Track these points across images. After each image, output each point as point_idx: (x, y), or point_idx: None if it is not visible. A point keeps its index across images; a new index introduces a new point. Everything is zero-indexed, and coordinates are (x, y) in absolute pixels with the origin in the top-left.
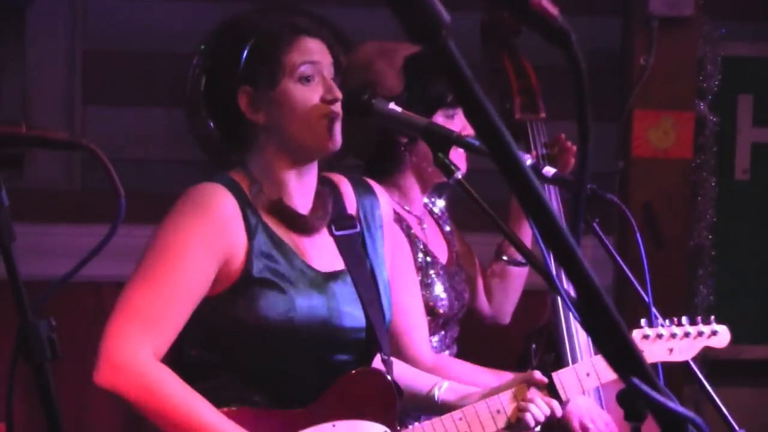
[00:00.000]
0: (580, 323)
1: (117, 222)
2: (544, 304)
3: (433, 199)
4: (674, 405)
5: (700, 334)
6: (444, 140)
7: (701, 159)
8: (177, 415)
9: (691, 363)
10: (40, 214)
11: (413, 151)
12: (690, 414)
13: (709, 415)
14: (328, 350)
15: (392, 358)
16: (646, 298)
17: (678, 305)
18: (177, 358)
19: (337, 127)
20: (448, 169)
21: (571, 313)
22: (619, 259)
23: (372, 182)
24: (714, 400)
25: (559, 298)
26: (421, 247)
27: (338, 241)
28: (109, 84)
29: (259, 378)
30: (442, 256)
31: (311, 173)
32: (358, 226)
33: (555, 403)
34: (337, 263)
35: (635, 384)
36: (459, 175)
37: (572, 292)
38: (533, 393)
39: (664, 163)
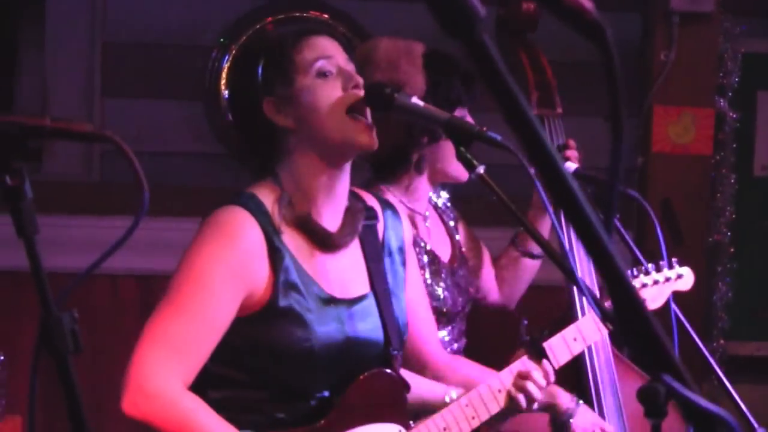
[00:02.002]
0: (601, 319)
1: (140, 215)
2: (559, 299)
3: (437, 192)
4: (707, 403)
5: (668, 279)
6: (466, 135)
7: (721, 155)
8: None
9: (710, 359)
10: (58, 206)
11: (427, 155)
12: (722, 412)
13: (728, 412)
14: (347, 369)
15: (405, 372)
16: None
17: (696, 301)
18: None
19: (368, 119)
20: (470, 163)
21: (589, 307)
22: (639, 254)
23: (394, 202)
24: (733, 397)
25: (576, 294)
26: (424, 246)
27: (366, 258)
28: (128, 76)
29: (281, 395)
30: (445, 253)
31: (342, 182)
32: (384, 247)
33: (549, 367)
34: (360, 284)
35: (668, 382)
36: (481, 169)
37: (594, 288)
38: (529, 365)
39: (683, 159)
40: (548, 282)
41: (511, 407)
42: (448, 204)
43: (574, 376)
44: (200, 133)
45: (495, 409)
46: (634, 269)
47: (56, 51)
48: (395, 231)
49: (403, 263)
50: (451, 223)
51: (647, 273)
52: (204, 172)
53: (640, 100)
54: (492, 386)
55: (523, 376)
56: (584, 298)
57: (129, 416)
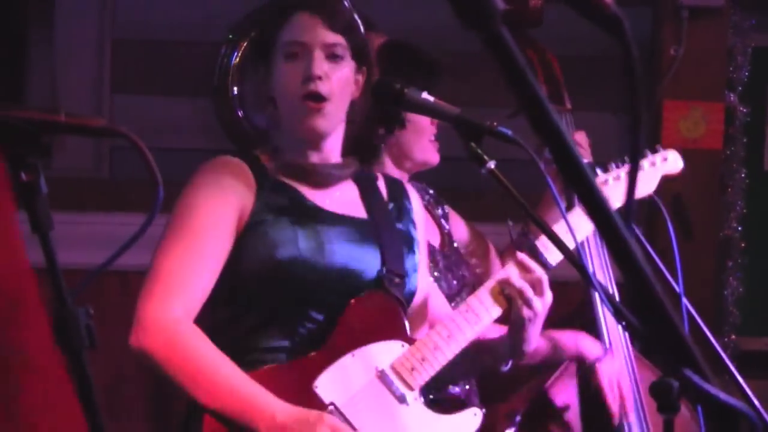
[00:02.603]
0: (613, 314)
1: (154, 211)
2: (570, 295)
3: (424, 185)
4: (728, 398)
5: (653, 164)
6: (476, 130)
7: (731, 150)
8: (201, 371)
9: (723, 354)
10: (68, 202)
11: (388, 143)
12: (744, 407)
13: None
14: (336, 289)
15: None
16: (677, 288)
17: (707, 297)
18: (210, 322)
19: (319, 108)
20: (480, 159)
21: (602, 304)
22: (650, 249)
23: (405, 184)
24: (745, 393)
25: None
26: None
27: (363, 196)
28: (137, 73)
29: (275, 319)
30: (434, 240)
31: (325, 151)
32: (386, 198)
33: (532, 276)
34: (356, 211)
35: (688, 376)
36: (491, 165)
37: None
38: (503, 273)
39: (693, 153)
40: (560, 278)
41: (515, 311)
42: (435, 195)
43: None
44: (209, 129)
45: (496, 311)
46: (615, 163)
47: (65, 47)
48: (399, 195)
49: (413, 224)
50: (439, 212)
51: (607, 171)
52: None
53: (649, 94)
54: (489, 287)
55: (502, 282)
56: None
57: (133, 352)
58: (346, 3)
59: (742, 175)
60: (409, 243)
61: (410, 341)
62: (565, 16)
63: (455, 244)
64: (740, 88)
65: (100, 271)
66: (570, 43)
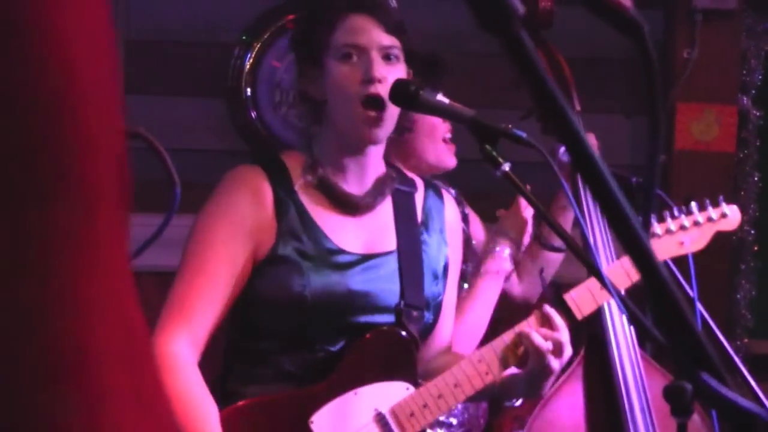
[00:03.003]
0: (628, 317)
1: (172, 211)
2: None
3: (446, 183)
4: (747, 403)
5: (710, 219)
6: (491, 132)
7: (744, 153)
8: (182, 409)
9: (735, 357)
10: None
11: (402, 147)
12: (763, 412)
13: None
14: (352, 322)
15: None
16: (691, 293)
17: (720, 300)
18: (230, 345)
19: (380, 113)
20: (495, 161)
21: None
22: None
23: (443, 189)
24: (758, 396)
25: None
26: None
27: (397, 219)
28: (150, 74)
29: (286, 346)
30: (459, 237)
31: (368, 157)
32: (419, 216)
33: (554, 318)
34: (385, 242)
35: (706, 381)
36: (506, 167)
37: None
38: (524, 326)
39: (706, 156)
40: (572, 279)
41: (530, 367)
42: (453, 194)
43: (601, 374)
44: (222, 130)
45: (510, 366)
46: (675, 209)
47: None
48: (435, 209)
49: (445, 242)
50: (459, 210)
51: (689, 213)
52: (227, 169)
53: (664, 98)
54: (506, 340)
55: (521, 336)
56: (613, 296)
57: None
58: (394, 3)
59: (755, 179)
60: (434, 269)
61: (416, 384)
62: (576, 18)
63: (474, 246)
64: (753, 91)
65: None
66: (581, 44)
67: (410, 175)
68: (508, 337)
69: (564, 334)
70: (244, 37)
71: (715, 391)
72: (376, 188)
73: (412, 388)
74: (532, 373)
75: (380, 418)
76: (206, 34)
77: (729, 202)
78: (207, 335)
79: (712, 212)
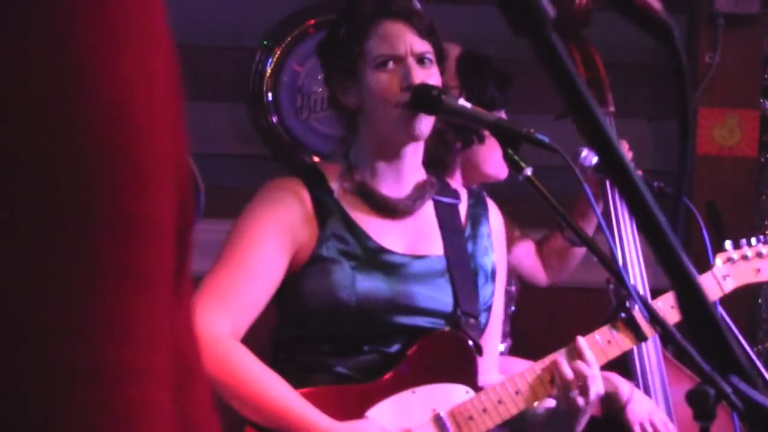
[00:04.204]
0: (646, 317)
1: (198, 215)
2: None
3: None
4: None
5: (759, 254)
6: (514, 136)
7: (766, 158)
8: (248, 388)
9: (757, 362)
10: None
11: (463, 156)
12: None
13: None
14: (404, 324)
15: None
16: None
17: (743, 303)
18: (278, 337)
19: (416, 117)
20: (517, 165)
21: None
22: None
23: (486, 198)
24: None
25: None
26: None
27: (441, 226)
28: None
29: (340, 349)
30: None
31: (409, 160)
32: (464, 224)
33: (582, 366)
34: (430, 246)
35: (734, 383)
36: (528, 171)
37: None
38: (560, 356)
39: (728, 161)
40: (591, 284)
41: (558, 400)
42: None
43: (624, 371)
44: (245, 135)
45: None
46: (754, 238)
47: None
48: (481, 216)
49: (492, 248)
50: None
51: (738, 247)
52: (249, 174)
53: (692, 101)
54: (540, 370)
55: (552, 363)
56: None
57: None
58: (418, 5)
59: None
60: (483, 276)
61: (477, 389)
62: (603, 22)
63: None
64: None
65: None
66: (602, 49)
67: (453, 185)
68: (548, 359)
69: (595, 370)
70: (265, 42)
71: (744, 395)
72: (415, 192)
73: (472, 392)
74: (559, 409)
75: (437, 419)
76: (227, 39)
77: (751, 206)
78: (245, 328)
79: (763, 248)
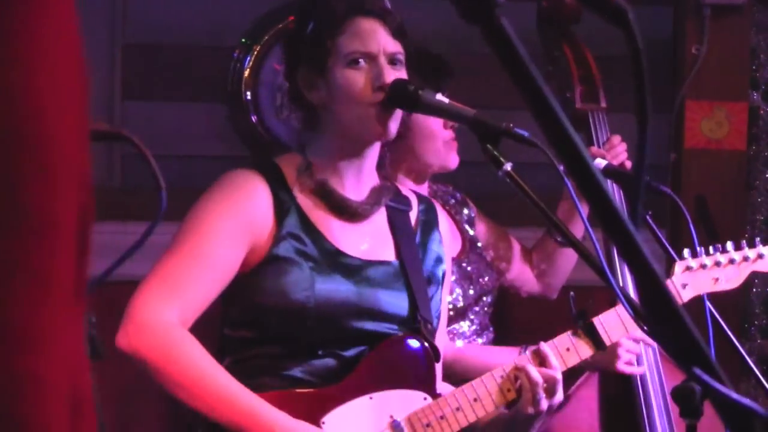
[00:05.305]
0: (632, 315)
1: (159, 215)
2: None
3: (451, 188)
4: (739, 397)
5: (746, 259)
6: (492, 131)
7: (754, 150)
8: (196, 378)
9: (748, 359)
10: None
11: (395, 149)
12: (756, 406)
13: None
14: (362, 327)
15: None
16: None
17: (733, 299)
18: (217, 339)
19: (389, 116)
20: (497, 161)
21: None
22: (673, 252)
23: (436, 204)
24: None
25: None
26: None
27: (394, 232)
28: (149, 79)
29: (294, 351)
30: (453, 249)
31: (366, 163)
32: (415, 225)
33: (548, 371)
34: (384, 252)
35: (698, 375)
36: (508, 167)
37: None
38: (523, 359)
39: (717, 154)
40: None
41: (519, 403)
42: (462, 198)
43: (619, 375)
44: (224, 136)
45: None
46: (711, 247)
47: None
48: (431, 224)
49: (442, 255)
50: (465, 213)
51: (724, 251)
52: None
53: (671, 95)
54: (502, 374)
55: (518, 369)
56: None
57: (121, 350)
58: (388, 4)
59: (767, 176)
60: (435, 284)
61: (435, 395)
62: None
63: (479, 249)
64: (764, 88)
65: (102, 281)
66: (600, 42)
67: (405, 192)
68: (506, 368)
69: (558, 374)
70: (243, 40)
71: (707, 386)
72: (373, 196)
73: (430, 399)
74: (519, 413)
75: (395, 425)
76: (206, 37)
77: (741, 200)
78: (194, 317)
79: (748, 252)
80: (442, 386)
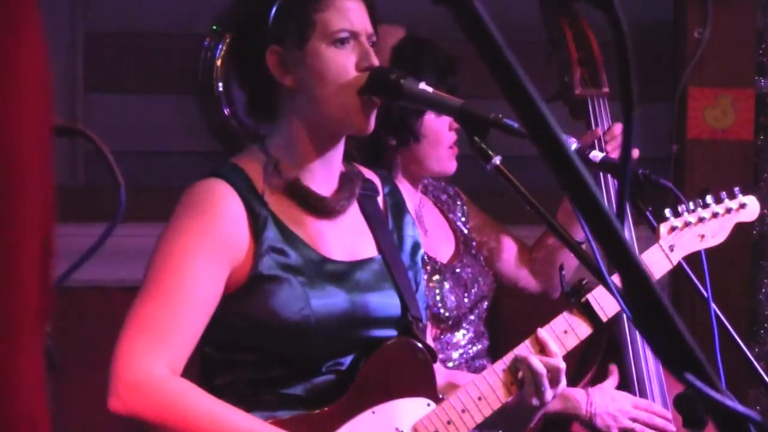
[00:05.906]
0: (628, 316)
1: (118, 215)
2: None
3: (443, 183)
4: (732, 402)
5: (728, 210)
6: (480, 122)
7: (762, 141)
8: (206, 426)
9: (757, 365)
10: None
11: (402, 153)
12: (749, 412)
13: None
14: (359, 336)
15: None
16: (704, 293)
17: (740, 298)
18: (228, 360)
19: (373, 108)
20: (485, 154)
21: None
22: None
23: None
24: None
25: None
26: None
27: (369, 223)
28: (114, 69)
29: (292, 370)
30: (446, 252)
31: (337, 152)
32: (384, 208)
33: (549, 358)
34: (366, 247)
35: (690, 380)
36: (497, 160)
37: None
38: (522, 349)
39: (722, 145)
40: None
41: (522, 395)
42: (457, 194)
43: (620, 376)
44: (195, 129)
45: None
46: (692, 202)
47: None
48: (400, 205)
49: (417, 236)
50: (458, 213)
51: (705, 206)
52: (200, 173)
53: (673, 82)
54: (504, 366)
55: (519, 360)
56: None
57: (117, 413)
58: None
59: None
60: (416, 269)
61: (437, 400)
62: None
63: (473, 249)
64: None
65: (58, 285)
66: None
67: (368, 174)
68: (506, 360)
69: (560, 361)
70: (215, 27)
71: (701, 391)
72: (344, 187)
73: (433, 405)
74: (521, 403)
75: None
76: (175, 24)
77: (747, 192)
78: (184, 362)
79: (730, 203)
80: (463, 376)
